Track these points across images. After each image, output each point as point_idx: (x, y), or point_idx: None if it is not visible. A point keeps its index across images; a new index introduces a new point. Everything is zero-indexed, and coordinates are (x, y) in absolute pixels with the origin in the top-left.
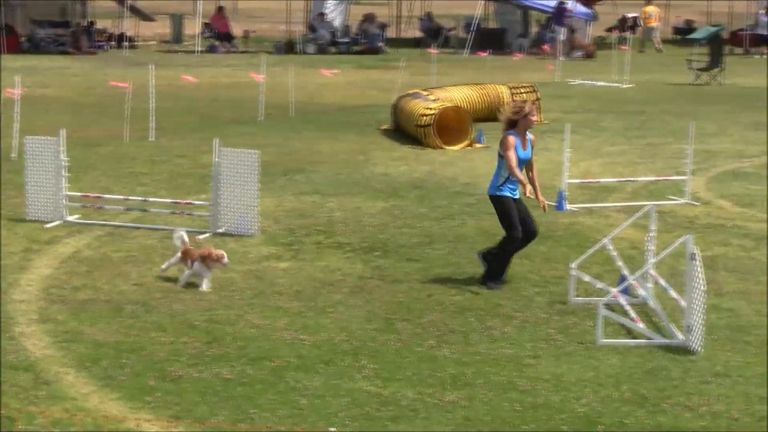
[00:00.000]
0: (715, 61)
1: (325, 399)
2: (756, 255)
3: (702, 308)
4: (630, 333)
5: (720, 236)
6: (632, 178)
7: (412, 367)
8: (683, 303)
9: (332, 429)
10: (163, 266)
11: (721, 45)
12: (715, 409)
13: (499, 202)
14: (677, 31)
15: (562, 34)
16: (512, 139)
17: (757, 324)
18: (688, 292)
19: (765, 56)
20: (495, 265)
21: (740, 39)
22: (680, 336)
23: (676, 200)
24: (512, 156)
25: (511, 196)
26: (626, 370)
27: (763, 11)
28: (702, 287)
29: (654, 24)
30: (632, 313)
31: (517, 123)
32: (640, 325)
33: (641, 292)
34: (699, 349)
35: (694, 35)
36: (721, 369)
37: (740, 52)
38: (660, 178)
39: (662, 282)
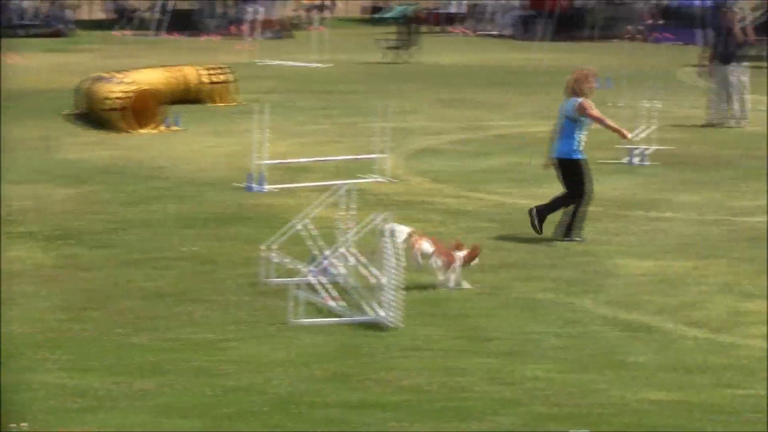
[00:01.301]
0: (409, 40)
1: (17, 393)
2: (451, 230)
3: (397, 284)
4: (327, 312)
5: (416, 213)
6: (329, 158)
7: (108, 355)
8: (379, 280)
9: (24, 424)
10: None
11: (414, 23)
12: (413, 382)
13: (577, 165)
14: (370, 9)
15: (258, 13)
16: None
17: (451, 297)
18: (384, 268)
19: (459, 33)
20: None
21: (433, 17)
22: (376, 312)
23: (372, 178)
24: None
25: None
26: (324, 348)
27: None
28: (396, 264)
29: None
30: (330, 292)
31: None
32: (334, 304)
33: (336, 270)
34: (395, 324)
35: (387, 14)
36: (417, 343)
37: (433, 30)
38: (357, 157)
39: (358, 260)
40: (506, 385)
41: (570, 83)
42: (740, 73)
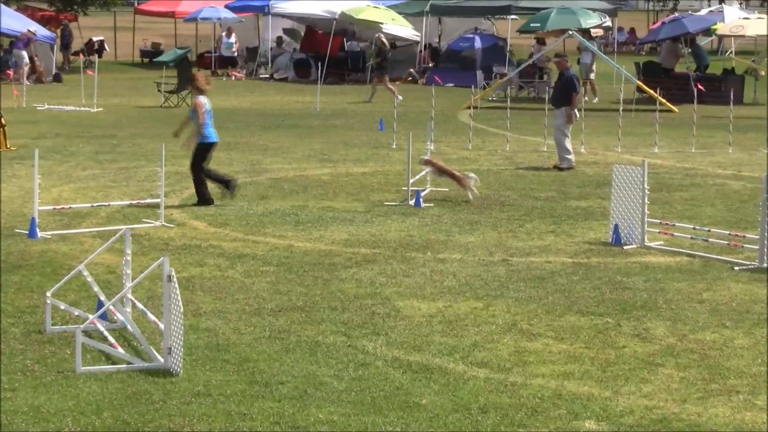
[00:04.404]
0: (184, 84)
1: None
2: (231, 274)
3: (181, 329)
4: (110, 359)
5: (195, 257)
6: (106, 203)
7: None
8: (162, 325)
9: None
10: None
11: (188, 67)
12: (197, 429)
13: None
14: (144, 54)
15: (26, 58)
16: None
17: (235, 342)
18: (166, 314)
19: (233, 78)
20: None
21: (207, 61)
22: (160, 358)
23: (151, 223)
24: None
25: None
26: (107, 396)
27: (225, 33)
28: (180, 308)
29: None
30: (111, 339)
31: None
32: (120, 351)
33: (119, 316)
34: (179, 371)
35: (161, 58)
36: (202, 389)
37: (207, 74)
38: (134, 202)
39: (140, 305)
40: (292, 429)
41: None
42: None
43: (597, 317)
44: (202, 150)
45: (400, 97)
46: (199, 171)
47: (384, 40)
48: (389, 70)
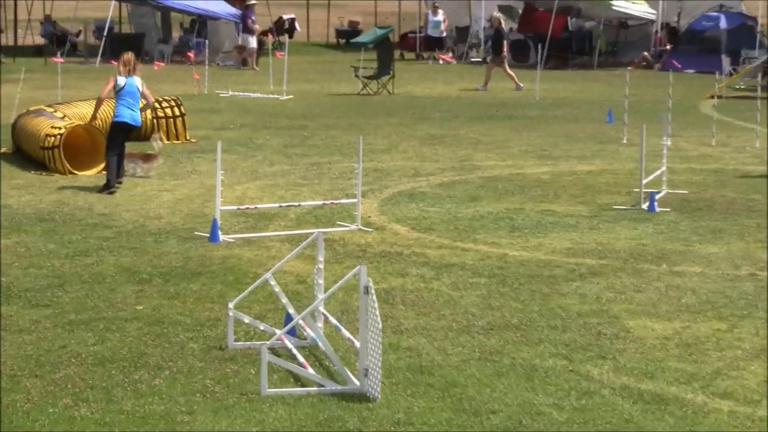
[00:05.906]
0: (384, 68)
1: None
2: (436, 286)
3: (379, 348)
4: (299, 380)
5: (396, 266)
6: (296, 203)
7: (46, 430)
8: (358, 343)
9: None
10: None
11: (390, 49)
12: None
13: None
14: (340, 34)
15: (251, 42)
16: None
17: (441, 364)
18: (363, 330)
19: (440, 61)
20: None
21: (411, 42)
22: (356, 381)
23: (346, 226)
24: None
25: None
26: (296, 422)
27: (431, 10)
28: (378, 324)
29: None
30: (300, 358)
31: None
32: (310, 371)
33: (310, 332)
34: (377, 395)
35: (359, 39)
36: (402, 416)
37: (411, 57)
38: (327, 202)
39: (333, 320)
40: None
41: (131, 63)
42: None
43: None
44: (111, 128)
45: (522, 85)
46: (109, 150)
47: (501, 19)
48: (507, 54)
